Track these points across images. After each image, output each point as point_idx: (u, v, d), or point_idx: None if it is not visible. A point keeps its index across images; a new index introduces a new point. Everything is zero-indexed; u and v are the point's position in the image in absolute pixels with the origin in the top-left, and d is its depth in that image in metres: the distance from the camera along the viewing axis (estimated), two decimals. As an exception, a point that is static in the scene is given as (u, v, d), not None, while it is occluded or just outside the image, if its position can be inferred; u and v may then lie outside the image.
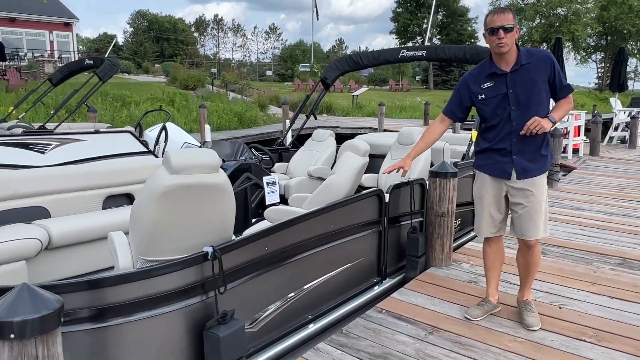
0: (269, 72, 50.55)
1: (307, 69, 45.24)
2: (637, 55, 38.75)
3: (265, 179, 5.07)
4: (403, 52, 6.88)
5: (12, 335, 1.46)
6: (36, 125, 8.71)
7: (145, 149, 9.86)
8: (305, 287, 3.16)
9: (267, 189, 5.11)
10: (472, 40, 48.08)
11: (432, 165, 5.91)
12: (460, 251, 4.65)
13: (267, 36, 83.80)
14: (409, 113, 23.57)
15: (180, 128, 11.06)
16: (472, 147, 5.47)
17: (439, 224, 4.10)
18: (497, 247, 3.24)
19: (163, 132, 9.00)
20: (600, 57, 46.96)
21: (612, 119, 14.49)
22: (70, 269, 3.74)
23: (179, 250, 2.52)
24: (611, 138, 14.18)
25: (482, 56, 6.30)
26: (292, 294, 3.05)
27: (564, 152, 11.42)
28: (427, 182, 4.24)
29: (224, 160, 5.10)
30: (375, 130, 17.66)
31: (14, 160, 8.34)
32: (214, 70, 43.24)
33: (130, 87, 20.94)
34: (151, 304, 2.32)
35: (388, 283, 4.00)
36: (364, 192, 3.68)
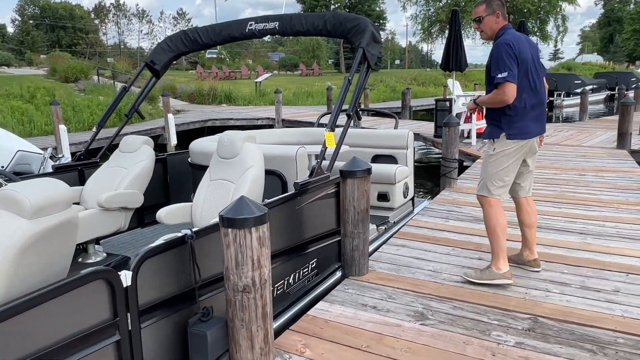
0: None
1: (214, 56, 42.29)
2: (537, 34, 39.49)
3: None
4: (251, 25, 5.12)
5: None
6: None
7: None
8: None
9: None
10: (381, 21, 46.90)
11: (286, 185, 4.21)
12: (301, 325, 3.00)
13: (175, 22, 79.44)
14: (317, 99, 22.02)
15: (11, 133, 8.68)
16: (325, 155, 3.69)
17: (242, 304, 2.41)
18: None
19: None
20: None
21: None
22: None
23: None
24: None
25: (346, 26, 4.70)
26: None
27: (467, 137, 10.31)
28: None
29: None
30: (273, 121, 15.93)
31: None
32: (110, 59, 39.42)
33: (-4, 82, 17.64)
34: None
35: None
36: (47, 287, 1.87)
